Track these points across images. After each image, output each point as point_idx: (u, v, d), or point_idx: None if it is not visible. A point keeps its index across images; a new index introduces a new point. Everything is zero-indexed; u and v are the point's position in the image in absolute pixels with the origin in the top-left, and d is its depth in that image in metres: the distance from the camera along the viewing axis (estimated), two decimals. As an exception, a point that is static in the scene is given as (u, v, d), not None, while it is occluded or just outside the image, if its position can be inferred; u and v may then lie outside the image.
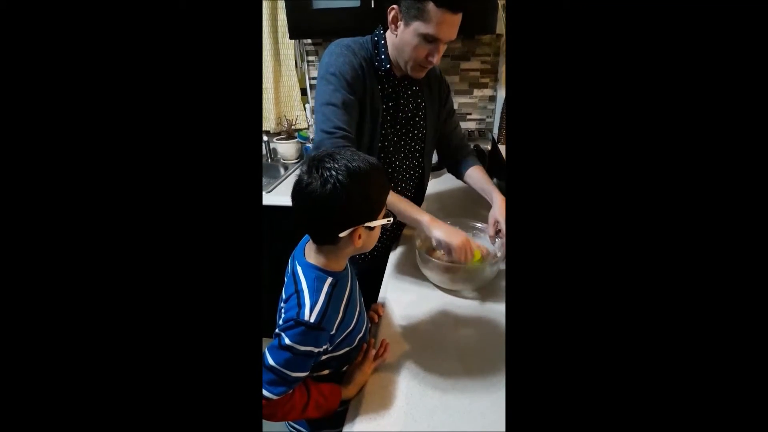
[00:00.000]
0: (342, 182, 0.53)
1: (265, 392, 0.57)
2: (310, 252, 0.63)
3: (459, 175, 1.11)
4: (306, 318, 0.56)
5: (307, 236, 0.65)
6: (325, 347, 0.61)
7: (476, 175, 1.06)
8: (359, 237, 0.59)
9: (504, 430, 0.57)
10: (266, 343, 0.58)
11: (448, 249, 0.83)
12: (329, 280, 0.60)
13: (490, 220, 0.96)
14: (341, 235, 0.57)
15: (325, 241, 0.60)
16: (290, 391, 0.58)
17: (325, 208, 0.55)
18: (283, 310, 0.60)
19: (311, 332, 0.56)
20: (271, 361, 0.57)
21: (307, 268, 0.61)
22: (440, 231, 0.84)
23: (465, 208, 1.03)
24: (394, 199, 0.86)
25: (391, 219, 0.63)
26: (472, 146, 1.46)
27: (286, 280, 0.64)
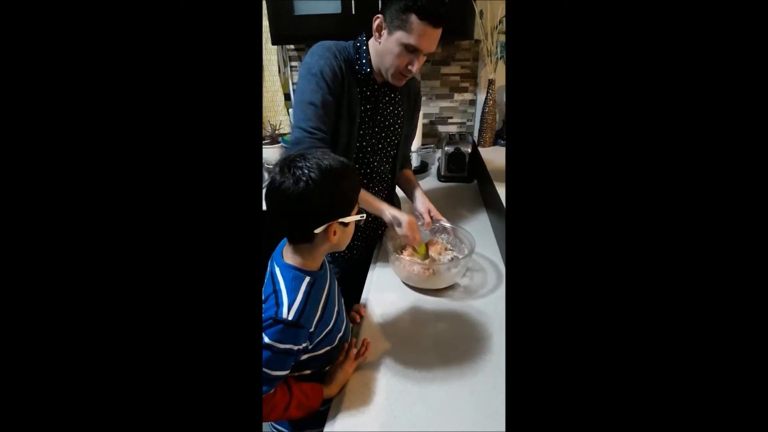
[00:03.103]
0: (314, 179, 0.56)
1: None
2: (287, 253, 0.64)
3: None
4: (284, 316, 0.57)
5: (284, 240, 0.67)
6: (304, 345, 0.62)
7: (405, 176, 1.18)
8: (334, 233, 0.61)
9: (484, 424, 0.59)
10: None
11: (399, 223, 0.91)
12: (307, 279, 0.61)
13: (422, 209, 1.05)
14: (316, 231, 0.59)
15: (301, 239, 0.61)
16: (272, 391, 0.59)
17: (299, 206, 0.57)
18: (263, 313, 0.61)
19: (290, 330, 0.58)
20: None
21: (285, 268, 0.62)
22: (395, 210, 0.93)
23: (444, 209, 1.06)
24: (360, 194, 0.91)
25: (364, 215, 0.65)
26: (453, 150, 1.50)
27: (265, 282, 0.65)
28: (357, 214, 0.64)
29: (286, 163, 0.57)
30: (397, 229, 0.93)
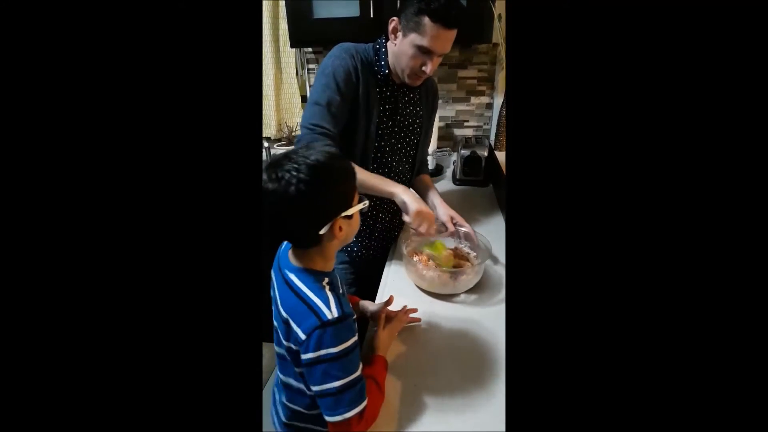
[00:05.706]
0: (304, 180, 0.52)
1: (357, 410, 0.55)
2: (296, 257, 0.61)
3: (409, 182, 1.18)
4: (329, 316, 0.54)
5: (284, 245, 0.64)
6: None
7: (422, 181, 1.17)
8: (340, 229, 0.58)
9: (502, 429, 0.58)
10: (266, 347, 0.58)
11: (407, 210, 0.87)
12: (325, 279, 0.59)
13: (444, 218, 1.01)
14: (321, 232, 0.56)
15: (308, 243, 0.59)
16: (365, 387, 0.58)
17: (297, 211, 0.54)
18: (294, 326, 0.57)
19: (342, 324, 0.55)
20: (337, 383, 0.54)
21: (301, 272, 0.60)
22: (408, 197, 0.87)
23: (459, 212, 1.05)
24: (365, 176, 0.88)
25: (367, 203, 0.62)
26: (469, 153, 1.50)
27: (278, 294, 0.62)
28: (359, 202, 0.61)
29: (272, 167, 0.53)
30: (405, 217, 0.88)
